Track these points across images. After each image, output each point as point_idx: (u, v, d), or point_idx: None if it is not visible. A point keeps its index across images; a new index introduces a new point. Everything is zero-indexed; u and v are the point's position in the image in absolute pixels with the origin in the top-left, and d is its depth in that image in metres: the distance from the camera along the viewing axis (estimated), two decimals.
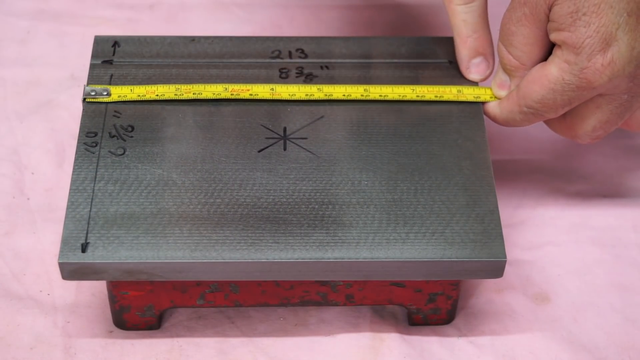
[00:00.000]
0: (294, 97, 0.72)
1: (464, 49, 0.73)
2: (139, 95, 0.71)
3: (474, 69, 0.73)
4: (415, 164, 0.69)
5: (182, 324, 0.71)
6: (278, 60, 0.75)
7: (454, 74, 0.74)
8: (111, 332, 0.70)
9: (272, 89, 0.72)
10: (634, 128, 0.73)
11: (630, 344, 0.71)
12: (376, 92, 0.72)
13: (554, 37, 0.67)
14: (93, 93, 0.71)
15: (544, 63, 0.69)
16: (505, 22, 0.70)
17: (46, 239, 0.75)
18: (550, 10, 0.67)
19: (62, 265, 0.64)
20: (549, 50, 0.70)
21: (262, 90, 0.72)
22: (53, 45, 0.89)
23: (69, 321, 0.71)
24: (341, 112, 0.72)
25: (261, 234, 0.65)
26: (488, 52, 0.73)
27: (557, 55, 0.67)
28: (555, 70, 0.67)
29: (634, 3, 0.65)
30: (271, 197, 0.67)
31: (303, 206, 0.67)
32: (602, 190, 0.80)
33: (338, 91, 0.72)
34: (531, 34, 0.69)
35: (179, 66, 0.74)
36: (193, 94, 0.71)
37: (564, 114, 0.71)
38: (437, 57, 0.76)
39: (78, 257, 0.64)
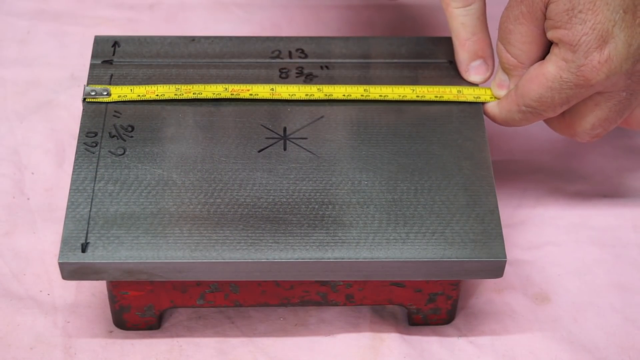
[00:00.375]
0: (294, 97, 0.72)
1: (463, 52, 0.73)
2: (139, 95, 0.71)
3: (473, 71, 0.73)
4: (415, 164, 0.69)
5: (182, 324, 0.71)
6: (278, 60, 0.75)
7: (453, 74, 0.74)
8: (111, 332, 0.70)
9: (272, 89, 0.72)
10: (634, 126, 0.73)
11: (630, 344, 0.71)
12: (376, 92, 0.72)
13: (550, 35, 0.67)
14: (93, 93, 0.72)
15: (541, 62, 0.69)
16: (503, 21, 0.70)
17: (46, 239, 0.75)
18: (546, 8, 0.67)
19: (62, 265, 0.64)
20: (546, 48, 0.70)
21: (262, 90, 0.72)
22: (53, 45, 0.89)
23: (69, 321, 0.71)
24: (341, 112, 0.72)
25: (261, 234, 0.65)
26: (487, 55, 0.73)
27: (555, 53, 0.67)
28: (552, 68, 0.67)
29: (629, 0, 0.65)
30: (271, 197, 0.67)
31: (303, 206, 0.67)
32: (602, 190, 0.80)
33: (338, 91, 0.72)
34: (529, 32, 0.69)
35: (179, 66, 0.74)
36: (193, 94, 0.71)
37: (563, 113, 0.71)
38: (437, 57, 0.76)
39: (78, 257, 0.64)
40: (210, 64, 0.75)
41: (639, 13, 0.66)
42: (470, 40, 0.72)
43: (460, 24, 0.72)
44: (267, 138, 0.70)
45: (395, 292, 0.69)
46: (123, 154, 0.69)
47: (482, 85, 0.74)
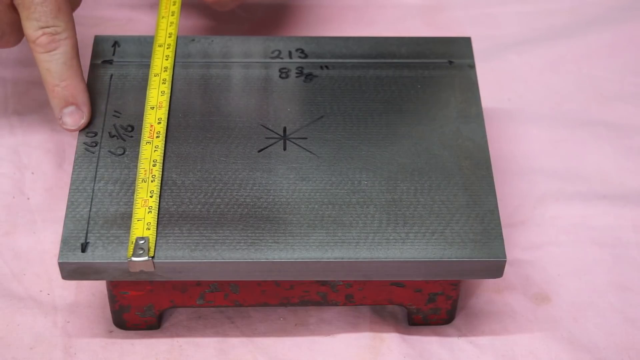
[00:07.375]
0: None
1: (53, 98, 0.71)
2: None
3: (67, 118, 0.71)
4: (415, 164, 0.69)
5: (182, 324, 0.71)
6: (278, 60, 0.75)
7: (453, 73, 0.74)
8: (111, 332, 0.70)
9: None
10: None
11: (630, 344, 0.71)
12: None
13: None
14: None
15: None
16: None
17: (46, 239, 0.75)
18: None
19: (62, 265, 0.64)
20: None
21: None
22: None
23: (69, 321, 0.71)
24: (341, 112, 0.72)
25: (261, 234, 0.65)
26: (80, 101, 0.71)
27: None
28: None
29: None
30: (271, 197, 0.67)
31: (303, 206, 0.67)
32: (602, 190, 0.80)
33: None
34: None
35: (179, 66, 0.74)
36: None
37: None
38: (437, 57, 0.76)
39: (78, 257, 0.64)
40: (210, 64, 0.75)
41: None
42: (59, 87, 0.70)
43: (46, 70, 0.70)
44: (267, 138, 0.70)
45: (395, 292, 0.69)
46: (123, 153, 0.69)
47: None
